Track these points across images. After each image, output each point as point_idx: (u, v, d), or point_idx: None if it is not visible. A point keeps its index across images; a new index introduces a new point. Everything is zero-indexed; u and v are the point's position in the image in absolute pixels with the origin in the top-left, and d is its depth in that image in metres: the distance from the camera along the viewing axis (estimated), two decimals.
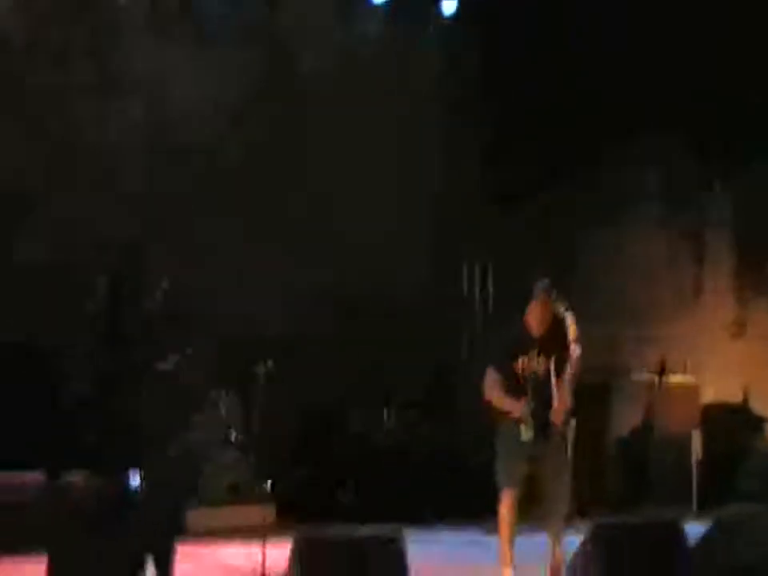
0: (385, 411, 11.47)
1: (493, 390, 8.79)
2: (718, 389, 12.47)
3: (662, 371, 11.35)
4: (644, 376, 11.48)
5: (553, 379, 8.77)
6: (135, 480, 7.19)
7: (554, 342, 8.79)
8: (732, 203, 13.30)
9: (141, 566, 6.27)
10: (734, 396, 12.53)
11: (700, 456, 11.64)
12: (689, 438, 11.56)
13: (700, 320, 13.09)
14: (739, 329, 13.01)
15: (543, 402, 8.65)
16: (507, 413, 8.75)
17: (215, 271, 10.79)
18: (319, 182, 11.44)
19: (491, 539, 9.08)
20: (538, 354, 8.74)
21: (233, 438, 10.35)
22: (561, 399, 8.66)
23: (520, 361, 8.74)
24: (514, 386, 8.74)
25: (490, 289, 12.67)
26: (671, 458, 11.48)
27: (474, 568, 8.77)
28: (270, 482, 10.03)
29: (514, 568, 8.33)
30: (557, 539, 8.67)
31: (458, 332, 12.56)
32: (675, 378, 11.69)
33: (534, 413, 8.60)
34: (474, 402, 9.35)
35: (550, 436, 8.64)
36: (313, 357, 11.15)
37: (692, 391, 11.67)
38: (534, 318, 8.84)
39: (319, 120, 11.45)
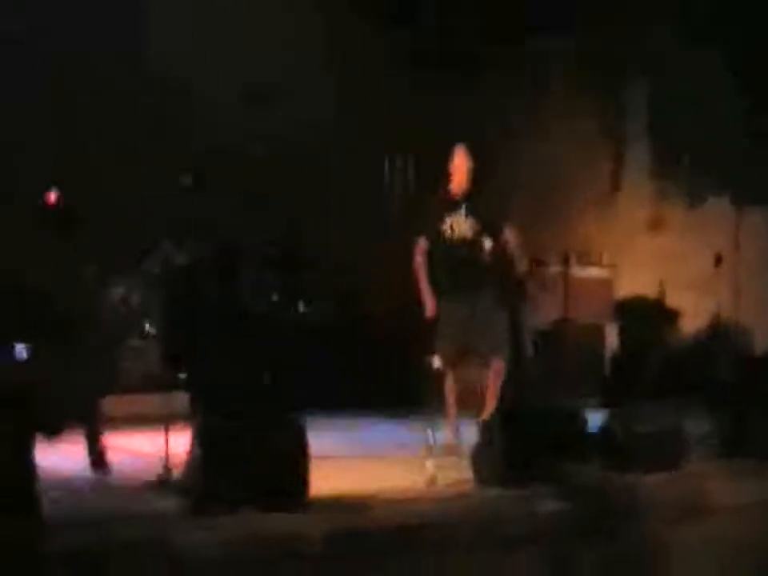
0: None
1: (419, 267, 8.93)
2: (633, 282, 12.60)
3: (567, 263, 11.39)
4: (554, 268, 11.52)
5: (486, 244, 8.85)
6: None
7: (479, 208, 8.88)
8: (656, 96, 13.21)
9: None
10: (650, 289, 12.66)
11: (615, 349, 11.79)
12: (602, 330, 11.71)
13: (617, 214, 13.16)
14: (656, 223, 13.08)
15: (474, 267, 8.82)
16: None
17: None
18: None
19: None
20: (466, 216, 8.81)
21: (147, 328, 10.35)
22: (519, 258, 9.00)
23: (447, 222, 8.81)
24: (443, 256, 8.84)
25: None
26: (585, 350, 11.60)
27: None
28: (182, 372, 10.06)
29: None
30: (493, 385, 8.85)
31: None
32: (588, 271, 11.77)
33: (462, 280, 8.77)
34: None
35: (480, 299, 8.82)
36: None
37: (606, 284, 11.77)
38: (456, 169, 8.85)
39: None
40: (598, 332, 11.70)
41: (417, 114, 11.66)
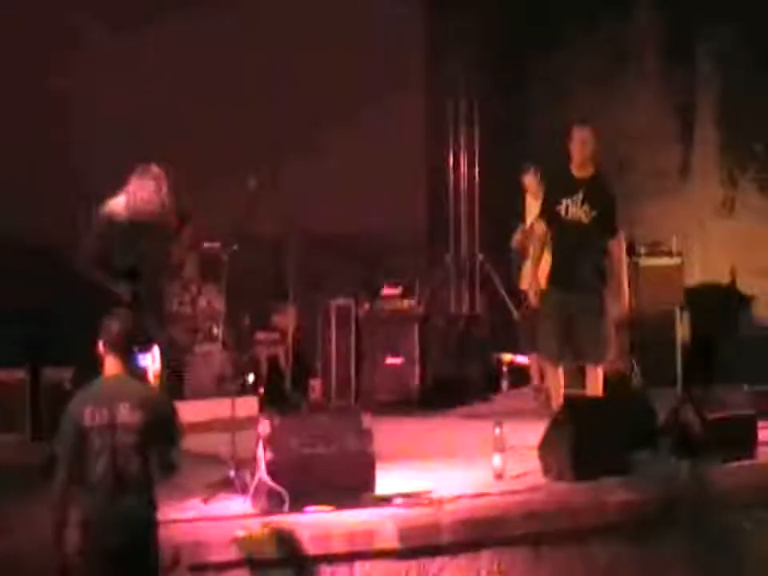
0: None
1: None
2: (704, 268, 12.41)
3: (631, 251, 11.20)
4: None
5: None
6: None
7: (598, 193, 8.42)
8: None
9: None
10: (721, 275, 12.46)
11: (686, 336, 11.60)
12: (672, 318, 11.51)
13: (687, 199, 12.94)
14: (727, 208, 12.84)
15: (582, 254, 8.38)
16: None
17: None
18: None
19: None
20: (582, 202, 8.37)
21: (215, 332, 10.35)
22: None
23: (563, 204, 8.40)
24: (558, 235, 8.46)
25: None
26: (655, 338, 11.40)
27: None
28: (252, 375, 10.09)
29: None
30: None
31: None
32: (657, 259, 11.58)
33: (570, 266, 8.37)
34: None
35: (582, 289, 8.39)
36: None
37: (675, 271, 11.57)
38: (578, 147, 8.35)
39: None
40: (668, 320, 11.48)
41: None
